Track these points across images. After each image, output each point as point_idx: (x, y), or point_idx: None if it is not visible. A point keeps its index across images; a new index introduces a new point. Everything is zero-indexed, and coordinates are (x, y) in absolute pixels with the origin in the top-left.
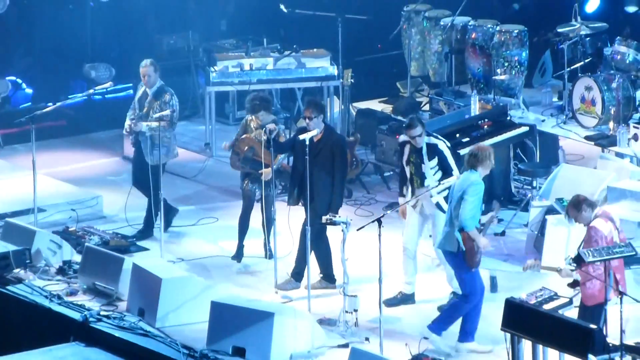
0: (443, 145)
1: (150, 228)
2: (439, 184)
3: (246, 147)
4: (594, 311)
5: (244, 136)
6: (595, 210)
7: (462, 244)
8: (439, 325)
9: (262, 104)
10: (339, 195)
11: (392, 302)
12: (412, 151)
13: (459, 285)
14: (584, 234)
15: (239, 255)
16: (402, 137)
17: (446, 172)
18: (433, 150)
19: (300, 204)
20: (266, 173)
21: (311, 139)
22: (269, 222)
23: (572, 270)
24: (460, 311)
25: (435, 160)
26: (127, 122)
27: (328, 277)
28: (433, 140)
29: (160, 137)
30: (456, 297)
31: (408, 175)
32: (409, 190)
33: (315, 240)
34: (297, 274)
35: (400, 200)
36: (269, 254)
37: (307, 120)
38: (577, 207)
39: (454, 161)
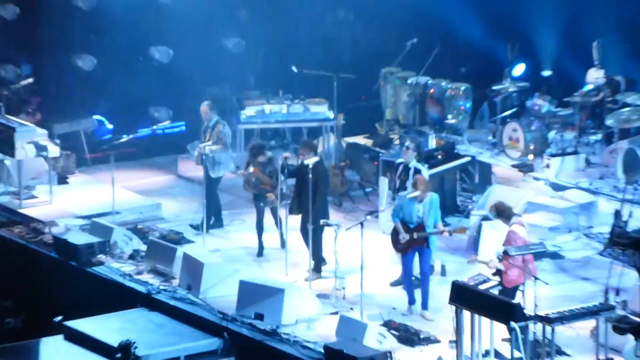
0: (424, 171)
1: (220, 220)
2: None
3: (253, 178)
4: (510, 292)
5: (252, 170)
6: (513, 219)
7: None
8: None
9: (254, 152)
10: (322, 207)
11: (395, 283)
12: (403, 170)
13: None
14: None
15: (260, 251)
16: (400, 159)
17: None
18: (417, 172)
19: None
20: (270, 197)
21: (305, 169)
22: (279, 223)
23: (498, 263)
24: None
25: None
26: (196, 152)
27: (317, 268)
28: (419, 165)
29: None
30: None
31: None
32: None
33: (307, 237)
34: (317, 267)
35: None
36: (283, 243)
37: (301, 155)
38: (499, 212)
39: None
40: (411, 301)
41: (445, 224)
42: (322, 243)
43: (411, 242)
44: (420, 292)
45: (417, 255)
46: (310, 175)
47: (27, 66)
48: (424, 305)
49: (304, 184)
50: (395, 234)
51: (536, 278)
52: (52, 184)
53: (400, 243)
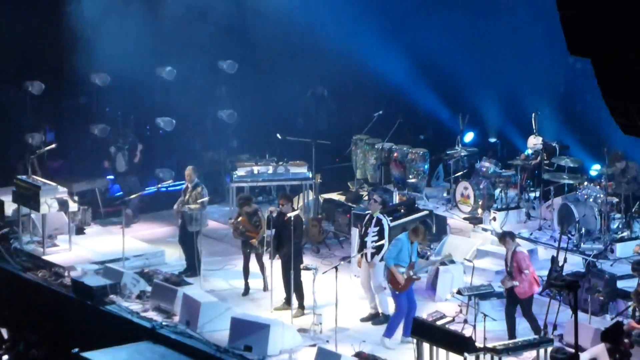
0: (385, 221)
1: (193, 268)
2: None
3: (241, 226)
4: (526, 301)
5: (239, 219)
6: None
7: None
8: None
9: (242, 202)
10: (297, 255)
11: (365, 319)
12: (368, 219)
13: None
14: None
15: (246, 291)
16: (368, 211)
17: (381, 237)
18: (378, 222)
19: (277, 257)
20: (253, 242)
21: (282, 218)
22: (262, 266)
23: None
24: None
25: (377, 229)
26: (176, 206)
27: (288, 302)
28: (382, 216)
29: (196, 215)
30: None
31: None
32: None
33: (287, 276)
34: (287, 300)
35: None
36: (265, 287)
37: (280, 205)
38: (505, 237)
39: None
40: (390, 333)
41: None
42: (301, 284)
43: (409, 279)
44: (406, 323)
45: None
46: (293, 226)
47: (50, 134)
48: (408, 333)
49: (282, 230)
50: (391, 277)
51: (485, 315)
52: (71, 234)
53: (400, 284)
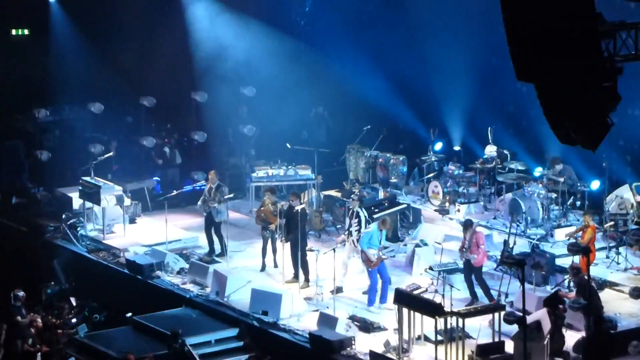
0: (362, 214)
1: (213, 253)
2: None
3: (263, 214)
4: (479, 270)
5: (261, 208)
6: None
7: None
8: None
9: (268, 190)
10: (303, 239)
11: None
12: (351, 213)
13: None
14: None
15: (263, 267)
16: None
17: (361, 226)
18: (357, 215)
19: (287, 241)
20: (272, 227)
21: (292, 210)
22: (274, 250)
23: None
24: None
25: (357, 220)
26: (200, 202)
27: (296, 276)
28: (360, 210)
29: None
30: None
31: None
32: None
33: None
34: (296, 275)
35: (341, 238)
36: (276, 264)
37: (290, 200)
38: (467, 225)
39: (365, 223)
40: (371, 302)
41: (385, 247)
42: (307, 262)
43: (379, 259)
44: (381, 292)
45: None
46: (299, 217)
47: (108, 144)
48: (384, 300)
49: (291, 220)
50: (364, 257)
51: (451, 286)
52: (125, 223)
53: (372, 262)
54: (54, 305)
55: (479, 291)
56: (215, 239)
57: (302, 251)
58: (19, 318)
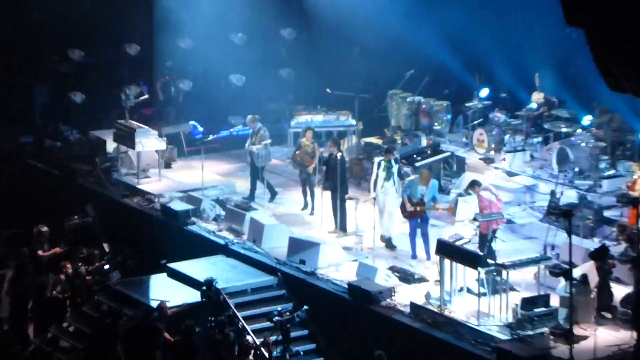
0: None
1: (273, 193)
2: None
3: (299, 158)
4: (484, 236)
5: (297, 152)
6: (481, 187)
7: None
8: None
9: (305, 129)
10: (342, 186)
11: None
12: (386, 163)
13: None
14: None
15: (305, 205)
16: (378, 158)
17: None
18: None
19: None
20: (309, 169)
21: (330, 157)
22: (312, 193)
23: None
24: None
25: (397, 165)
26: (247, 145)
27: (337, 228)
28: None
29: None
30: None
31: (383, 176)
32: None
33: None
34: (336, 228)
35: (372, 194)
36: (312, 211)
37: (329, 146)
38: (472, 185)
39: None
40: (413, 256)
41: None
42: (346, 211)
43: (414, 212)
44: (424, 248)
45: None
46: (339, 164)
47: (144, 87)
48: (428, 257)
49: (330, 167)
50: (402, 205)
51: (496, 237)
52: (160, 168)
53: (406, 211)
54: (77, 239)
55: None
56: (260, 184)
57: (342, 199)
58: (39, 252)
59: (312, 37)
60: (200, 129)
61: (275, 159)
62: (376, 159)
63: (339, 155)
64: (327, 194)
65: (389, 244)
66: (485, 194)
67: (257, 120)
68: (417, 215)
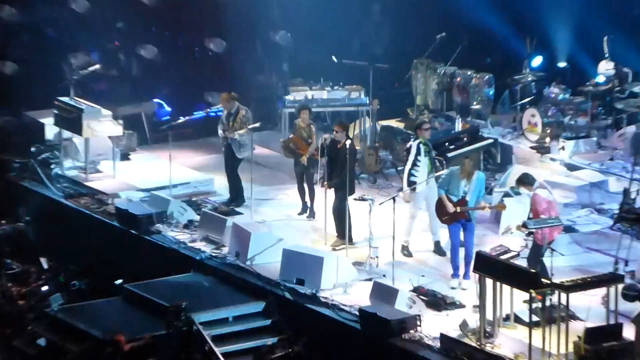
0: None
1: (241, 197)
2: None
3: (291, 144)
4: (540, 248)
5: (291, 136)
6: (535, 184)
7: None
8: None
9: (302, 109)
10: (351, 184)
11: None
12: (425, 146)
13: None
14: (528, 205)
15: (304, 209)
16: (415, 141)
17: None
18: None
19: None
20: (303, 159)
21: (335, 145)
22: (311, 192)
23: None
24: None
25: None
26: (221, 132)
27: (341, 235)
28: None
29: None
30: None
31: (426, 163)
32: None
33: (338, 211)
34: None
35: (405, 189)
36: (313, 214)
37: (335, 132)
38: (522, 182)
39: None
40: (455, 275)
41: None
42: (348, 216)
43: (455, 214)
44: (464, 263)
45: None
46: (347, 155)
47: (94, 54)
48: (465, 275)
49: (335, 159)
50: (440, 204)
51: (552, 250)
52: (116, 160)
53: (445, 214)
54: (6, 252)
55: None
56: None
57: (343, 198)
58: None
59: None
60: (168, 109)
61: (267, 147)
62: (413, 143)
63: (347, 143)
64: (332, 192)
65: (438, 249)
66: (543, 194)
67: (234, 99)
68: (458, 218)
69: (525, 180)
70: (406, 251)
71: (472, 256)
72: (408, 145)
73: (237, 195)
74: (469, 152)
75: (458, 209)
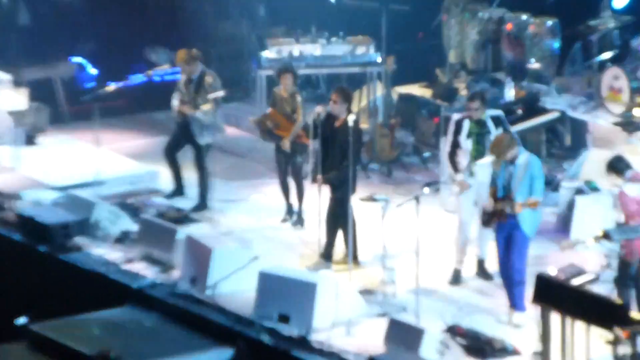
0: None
1: (205, 202)
2: None
3: (269, 121)
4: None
5: (269, 111)
6: (628, 173)
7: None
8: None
9: (283, 72)
10: (353, 176)
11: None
12: (473, 125)
13: None
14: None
15: (289, 213)
16: (457, 115)
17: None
18: (497, 121)
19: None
20: (285, 144)
21: (333, 123)
22: (299, 189)
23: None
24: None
25: (501, 129)
26: (176, 104)
27: (349, 256)
28: (495, 112)
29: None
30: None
31: (469, 148)
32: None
33: (338, 217)
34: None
35: (459, 176)
36: (302, 222)
37: (332, 102)
38: (614, 169)
39: None
40: (519, 308)
41: None
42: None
43: (496, 214)
44: (513, 290)
45: None
46: (350, 136)
47: None
48: (517, 306)
49: (333, 141)
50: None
51: None
52: (18, 145)
53: (487, 213)
54: None
55: None
56: (191, 175)
57: (342, 199)
58: None
59: None
60: (93, 71)
61: (236, 126)
62: (454, 116)
63: (350, 119)
64: (328, 190)
65: (482, 270)
66: (632, 191)
67: (196, 60)
68: (499, 220)
69: (618, 166)
70: (457, 279)
71: (518, 279)
72: (452, 120)
73: (201, 197)
74: (525, 130)
75: (500, 207)
